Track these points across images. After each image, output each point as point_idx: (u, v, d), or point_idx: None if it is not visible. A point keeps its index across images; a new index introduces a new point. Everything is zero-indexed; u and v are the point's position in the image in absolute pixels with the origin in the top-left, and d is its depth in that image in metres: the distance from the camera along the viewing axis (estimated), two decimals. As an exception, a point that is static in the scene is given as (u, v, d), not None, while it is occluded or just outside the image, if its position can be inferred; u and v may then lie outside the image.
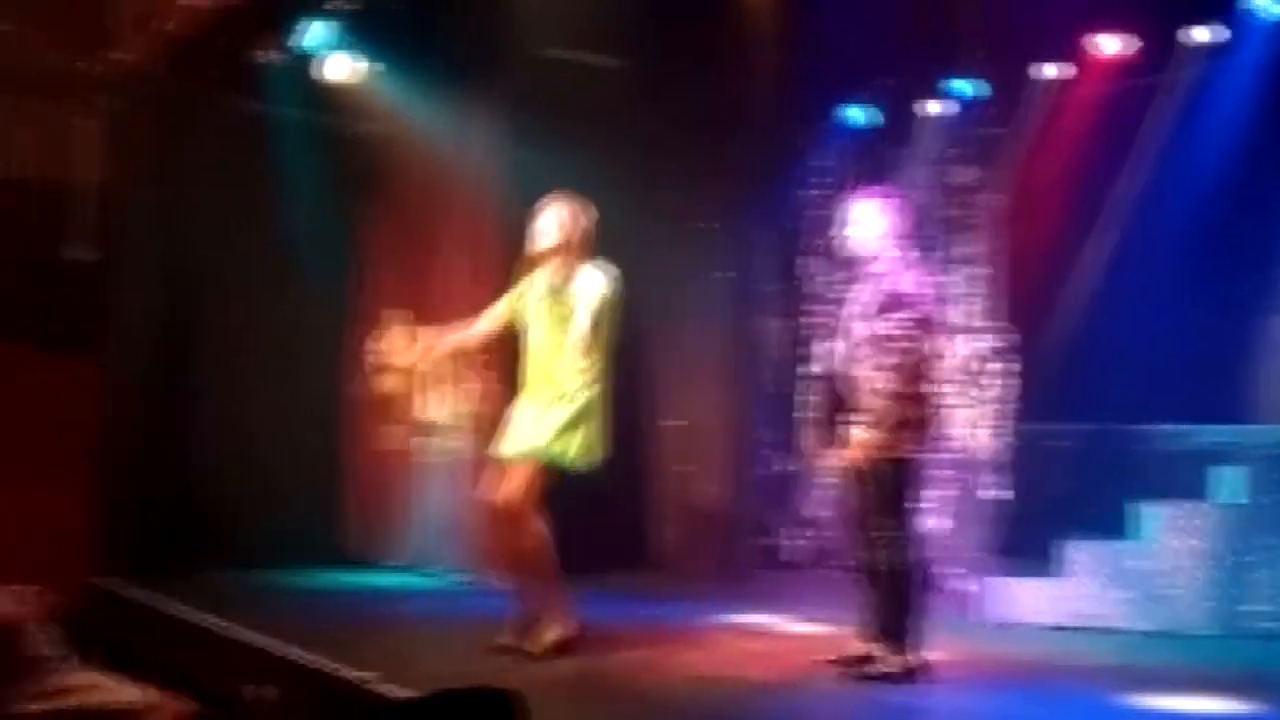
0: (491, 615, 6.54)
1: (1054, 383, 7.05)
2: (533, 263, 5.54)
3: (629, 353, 6.07)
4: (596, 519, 7.30)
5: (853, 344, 5.05)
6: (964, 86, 7.71)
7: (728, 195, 8.25)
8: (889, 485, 5.03)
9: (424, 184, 8.05)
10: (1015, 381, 7.43)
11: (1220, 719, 4.74)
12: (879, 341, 4.97)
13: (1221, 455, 6.46)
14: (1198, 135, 7.04)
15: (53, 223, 7.28)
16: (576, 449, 5.44)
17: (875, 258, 5.14)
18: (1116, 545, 6.43)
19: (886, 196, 5.36)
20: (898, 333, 4.95)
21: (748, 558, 8.16)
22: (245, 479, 7.71)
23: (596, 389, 5.44)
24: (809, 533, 8.38)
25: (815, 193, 8.73)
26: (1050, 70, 7.45)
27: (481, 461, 7.47)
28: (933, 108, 7.92)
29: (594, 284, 5.43)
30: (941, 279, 4.95)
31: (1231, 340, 6.98)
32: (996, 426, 7.43)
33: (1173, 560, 6.28)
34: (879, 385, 4.95)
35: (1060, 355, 7.29)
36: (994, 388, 7.44)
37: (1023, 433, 7.40)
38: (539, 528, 5.45)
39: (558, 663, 5.36)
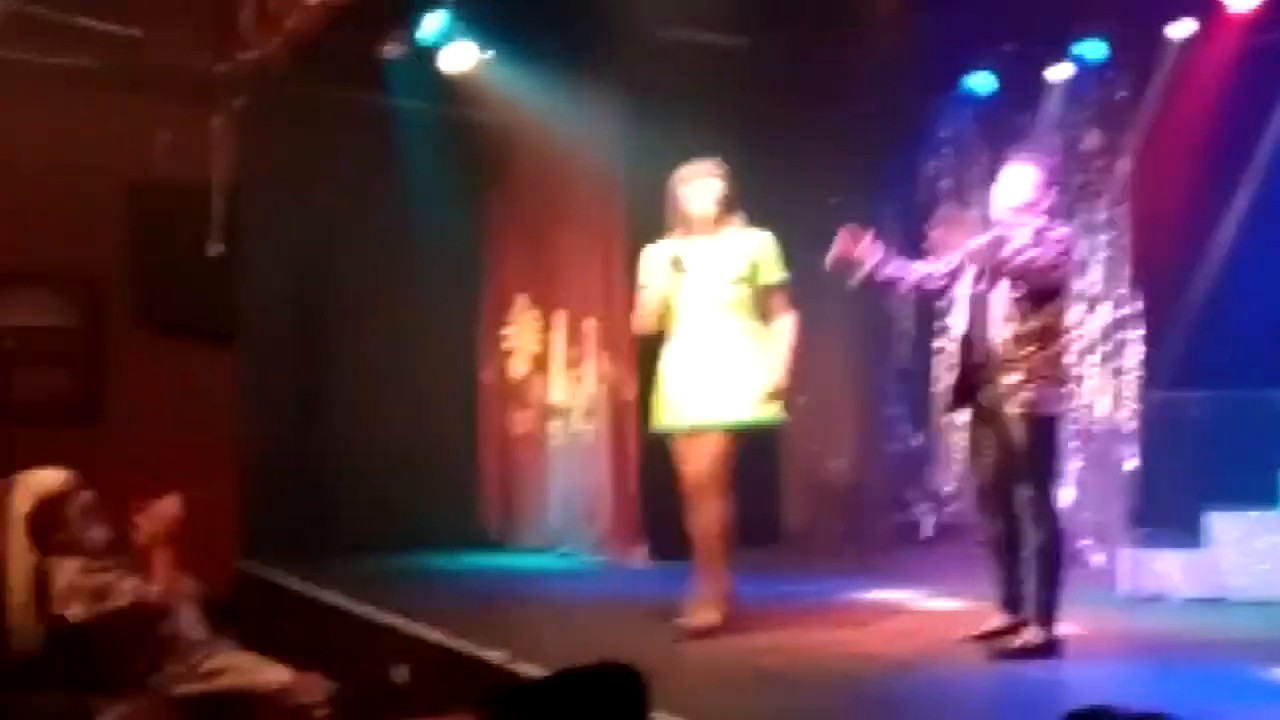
0: (626, 596, 6.62)
1: (1192, 348, 6.86)
2: (685, 229, 5.50)
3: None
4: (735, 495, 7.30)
5: (995, 308, 5.00)
6: (1090, 49, 7.53)
7: (852, 169, 8.17)
8: (1033, 452, 4.98)
9: (547, 169, 8.12)
10: (1148, 348, 7.27)
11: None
12: (1022, 305, 4.91)
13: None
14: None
15: (193, 221, 7.49)
16: (769, 408, 5.41)
17: (1018, 222, 5.08)
18: (1260, 515, 6.24)
19: (1035, 162, 5.30)
20: (1041, 296, 4.89)
21: (881, 533, 8.10)
22: (382, 464, 7.88)
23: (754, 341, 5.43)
24: (942, 507, 8.30)
25: (941, 164, 8.62)
26: (1179, 29, 7.23)
27: (613, 442, 7.58)
28: (1058, 72, 7.74)
29: (764, 243, 5.44)
30: (1081, 244, 4.91)
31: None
32: (1130, 395, 7.28)
33: (1320, 529, 6.09)
34: (1022, 350, 4.90)
35: (1198, 320, 7.08)
36: (1127, 355, 7.29)
37: (1161, 400, 7.23)
38: (729, 504, 5.41)
39: (697, 642, 5.39)
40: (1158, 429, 7.10)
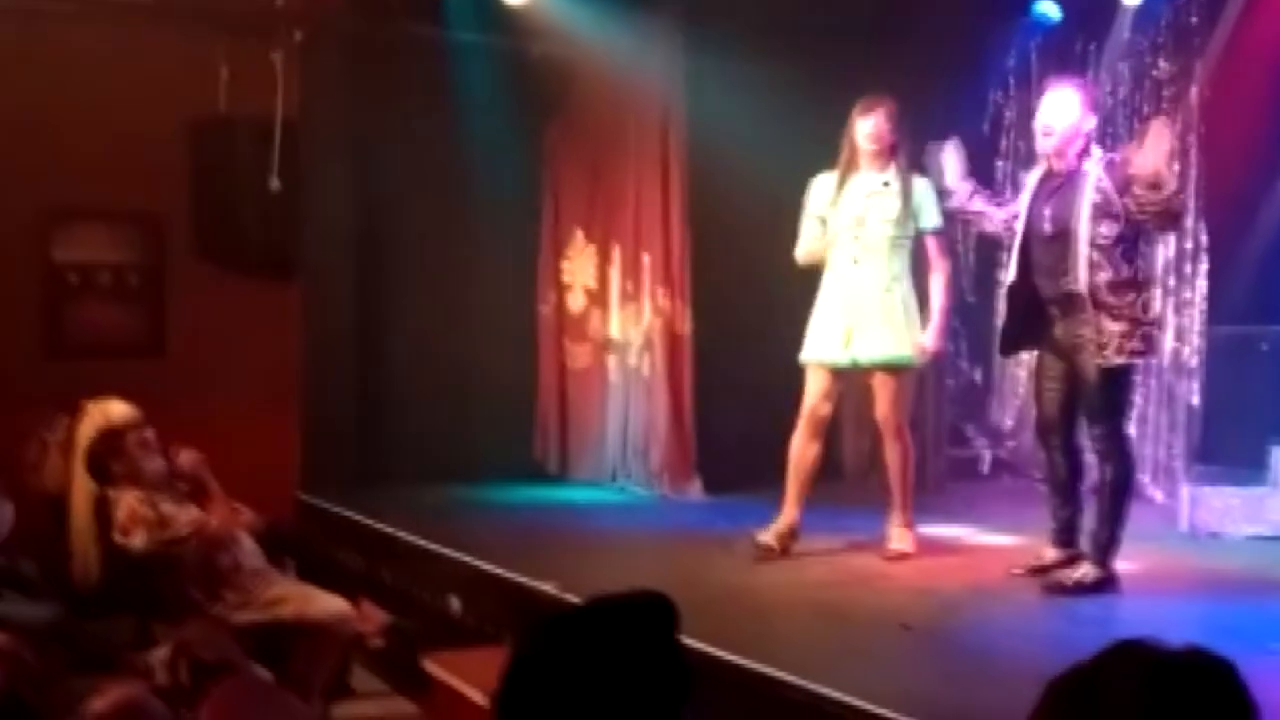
0: (680, 529, 6.65)
1: (1258, 282, 6.72)
2: (850, 164, 5.65)
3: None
4: (780, 429, 7.29)
5: (1080, 248, 4.87)
6: (1162, -28, 7.33)
7: (915, 98, 8.01)
8: (1109, 390, 4.92)
9: (606, 102, 8.05)
10: (1212, 282, 7.12)
11: None
12: (1113, 251, 4.81)
13: None
14: None
15: (253, 156, 7.53)
16: (916, 348, 5.61)
17: (1073, 155, 4.95)
18: (1328, 451, 6.13)
19: (1082, 88, 5.16)
20: (1122, 233, 4.79)
21: (939, 468, 8.04)
22: (440, 397, 7.92)
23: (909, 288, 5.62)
24: (1001, 442, 8.22)
25: (1007, 93, 8.45)
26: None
27: (669, 377, 7.57)
28: (1129, -2, 7.54)
29: (929, 189, 5.56)
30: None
31: None
32: (1195, 329, 7.15)
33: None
34: (1113, 297, 4.80)
35: (1268, 252, 6.93)
36: (1192, 289, 7.15)
37: (1225, 335, 7.09)
38: (909, 441, 5.73)
39: (753, 574, 5.42)
40: (1221, 364, 6.98)
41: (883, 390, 5.63)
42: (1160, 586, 5.20)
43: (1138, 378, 5.10)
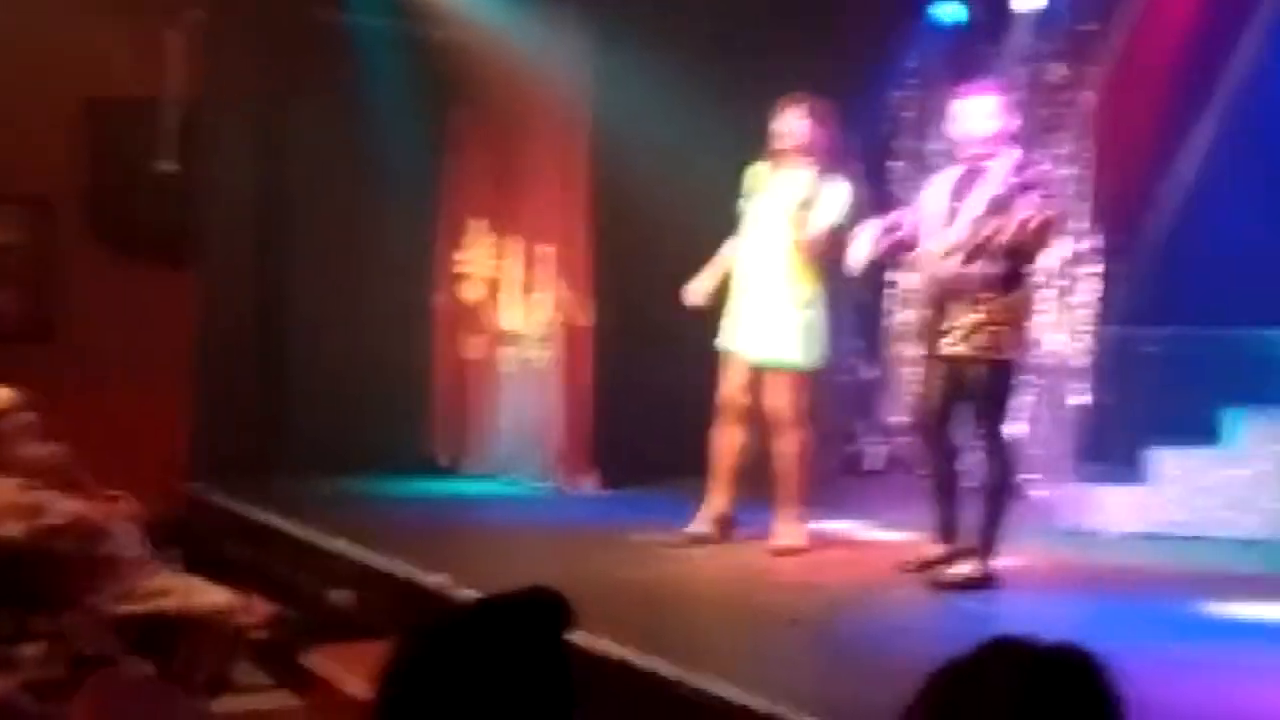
0: (573, 522, 6.65)
1: (1147, 285, 6.86)
2: (772, 159, 5.67)
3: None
4: (680, 423, 7.32)
5: (961, 243, 4.96)
6: (1058, -21, 7.46)
7: (819, 98, 8.08)
8: (992, 388, 5.00)
9: (510, 91, 8.00)
10: (1103, 284, 7.27)
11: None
12: (991, 241, 4.88)
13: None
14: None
15: (147, 138, 7.39)
16: (819, 350, 5.68)
17: (983, 154, 5.04)
18: (1206, 452, 6.29)
19: (994, 91, 5.25)
20: (1012, 231, 4.87)
21: (830, 464, 8.12)
22: (334, 387, 7.83)
23: (822, 292, 5.67)
24: (891, 439, 8.33)
25: (905, 95, 8.55)
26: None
27: (567, 369, 7.56)
28: (1026, 3, 7.66)
29: (842, 190, 5.58)
30: (1053, 176, 4.92)
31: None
32: (1084, 330, 7.29)
33: (1262, 467, 6.13)
34: (987, 292, 4.88)
35: (1154, 257, 7.09)
36: (1082, 291, 7.29)
37: (1112, 336, 7.24)
38: (806, 436, 5.71)
39: (639, 566, 5.43)
40: (1109, 365, 7.12)
41: (780, 384, 5.66)
42: (1042, 582, 5.31)
43: (1022, 376, 5.14)
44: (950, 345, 5.01)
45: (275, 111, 7.88)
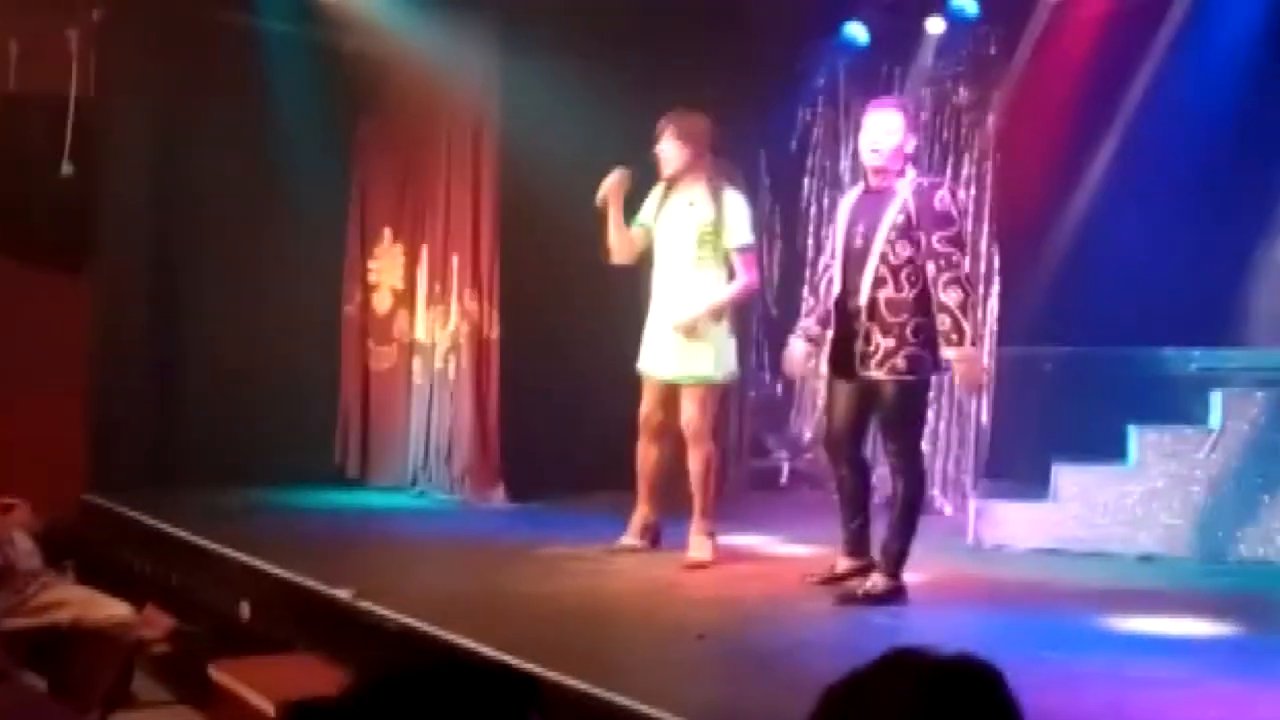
0: (480, 536, 6.60)
1: (1049, 305, 7.01)
2: (665, 181, 5.78)
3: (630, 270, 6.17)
4: (588, 436, 7.31)
5: (872, 263, 4.98)
6: (965, 4, 7.59)
7: (725, 113, 8.12)
8: (903, 407, 5.02)
9: (419, 100, 7.95)
10: (1002, 304, 7.40)
11: (1205, 643, 4.76)
12: (926, 261, 4.91)
13: (1216, 379, 6.42)
14: (1199, 54, 6.92)
15: (44, 139, 7.22)
16: (729, 365, 5.77)
17: (892, 173, 5.05)
18: (1103, 469, 6.42)
19: (905, 110, 5.25)
20: (947, 249, 4.90)
21: (739, 479, 8.17)
22: (238, 396, 7.71)
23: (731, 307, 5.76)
24: (800, 454, 8.39)
25: (815, 112, 8.64)
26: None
27: (474, 381, 7.51)
28: (931, 26, 7.79)
29: (739, 205, 5.67)
30: (962, 195, 4.98)
31: (1230, 262, 6.92)
32: (986, 349, 7.40)
33: (1158, 484, 6.27)
34: (898, 315, 4.90)
35: (1056, 277, 7.24)
36: (984, 310, 7.41)
37: (1013, 356, 7.37)
38: (713, 450, 5.81)
39: (547, 579, 5.40)
40: (1010, 384, 7.25)
41: (688, 399, 5.73)
42: (947, 596, 5.36)
43: (930, 395, 5.20)
44: (862, 367, 5.03)
45: (177, 114, 7.74)
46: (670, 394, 5.79)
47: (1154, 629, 4.90)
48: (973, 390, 4.95)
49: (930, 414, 7.24)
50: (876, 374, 4.98)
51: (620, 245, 5.87)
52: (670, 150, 5.72)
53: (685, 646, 4.60)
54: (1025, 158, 7.38)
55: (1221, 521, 6.19)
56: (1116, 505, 6.33)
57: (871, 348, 4.98)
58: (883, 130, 5.07)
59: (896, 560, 5.10)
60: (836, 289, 5.12)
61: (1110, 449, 6.51)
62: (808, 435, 8.42)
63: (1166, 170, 6.89)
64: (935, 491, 7.53)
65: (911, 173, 5.08)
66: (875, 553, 5.25)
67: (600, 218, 5.87)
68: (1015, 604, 5.25)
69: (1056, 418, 6.87)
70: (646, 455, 5.88)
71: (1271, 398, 6.20)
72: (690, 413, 5.71)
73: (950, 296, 4.87)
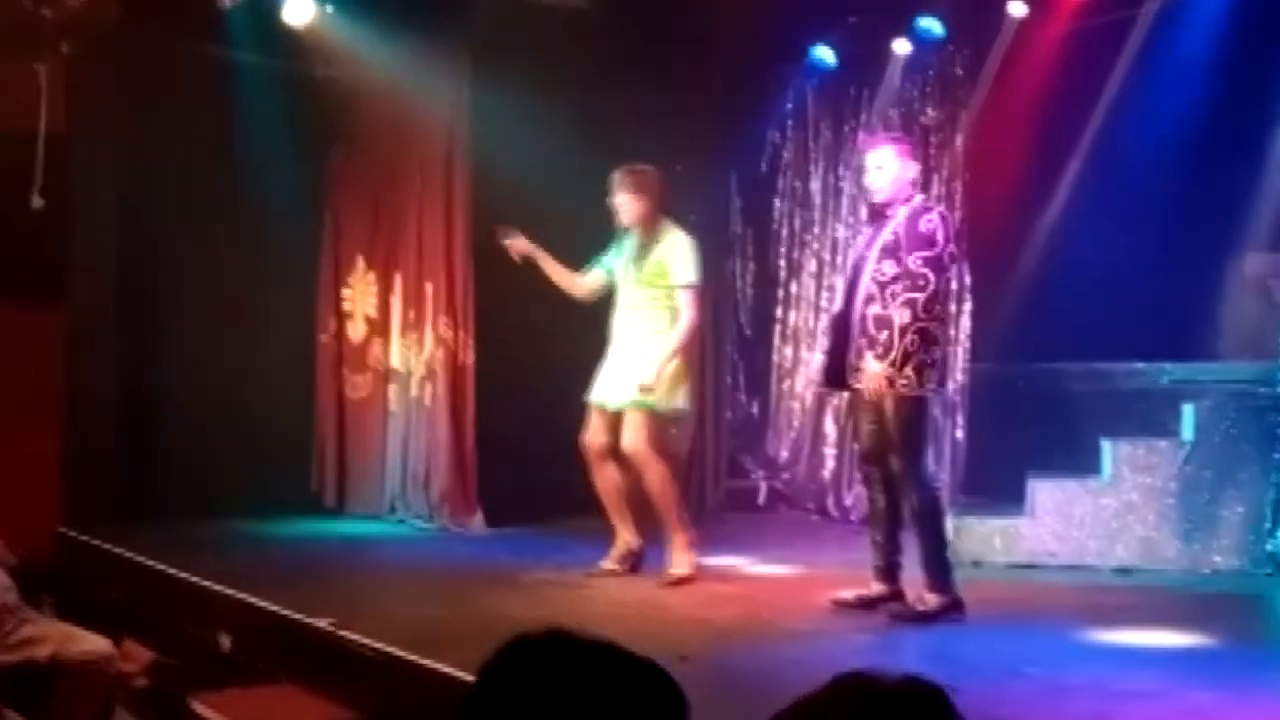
0: (460, 562, 6.59)
1: (1022, 321, 7.06)
2: (622, 228, 6.08)
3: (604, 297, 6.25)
4: (565, 461, 7.31)
5: (863, 281, 5.13)
6: (930, 25, 7.66)
7: (695, 136, 8.19)
8: (902, 420, 5.10)
9: (391, 129, 7.96)
10: (976, 322, 7.45)
11: (1184, 653, 4.80)
12: (902, 279, 5.02)
13: (1187, 393, 6.48)
14: (1164, 72, 7.00)
15: (15, 173, 7.19)
16: (679, 396, 6.00)
17: (897, 201, 5.21)
18: (1078, 483, 6.46)
19: (898, 141, 5.45)
20: (921, 270, 5.01)
21: (719, 499, 8.19)
22: (215, 427, 7.68)
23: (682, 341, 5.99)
24: (777, 474, 8.42)
25: (784, 134, 8.70)
26: (1016, 8, 7.40)
27: (450, 408, 7.52)
28: (900, 47, 7.86)
29: (684, 248, 5.98)
30: (950, 217, 5.14)
31: (1199, 276, 6.98)
32: (960, 366, 7.46)
33: (1138, 497, 6.32)
34: (903, 323, 4.99)
35: (1028, 293, 7.29)
36: (957, 327, 7.46)
37: (986, 373, 7.42)
38: (663, 468, 5.96)
39: (529, 605, 5.40)
40: (984, 400, 7.29)
41: (628, 425, 5.92)
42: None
43: (933, 410, 5.27)
44: (852, 379, 5.17)
45: (149, 146, 7.73)
46: (615, 422, 5.97)
47: (1133, 641, 4.94)
48: (878, 400, 5.09)
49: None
50: (864, 387, 5.08)
51: (569, 288, 6.26)
52: (624, 202, 6.01)
53: (668, 668, 4.61)
54: (994, 176, 7.45)
55: (1196, 532, 6.24)
56: (1092, 519, 6.38)
57: (861, 362, 5.10)
58: (874, 165, 5.32)
59: (939, 573, 5.17)
60: (838, 305, 5.27)
61: (1085, 463, 6.57)
62: (783, 455, 8.45)
63: (1135, 186, 6.97)
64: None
65: (918, 197, 5.24)
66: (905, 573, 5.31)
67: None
68: (995, 619, 5.27)
69: (1031, 433, 6.91)
70: (601, 479, 6.05)
71: (1242, 410, 6.27)
72: (630, 438, 5.89)
73: (898, 314, 5.04)
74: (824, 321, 5.73)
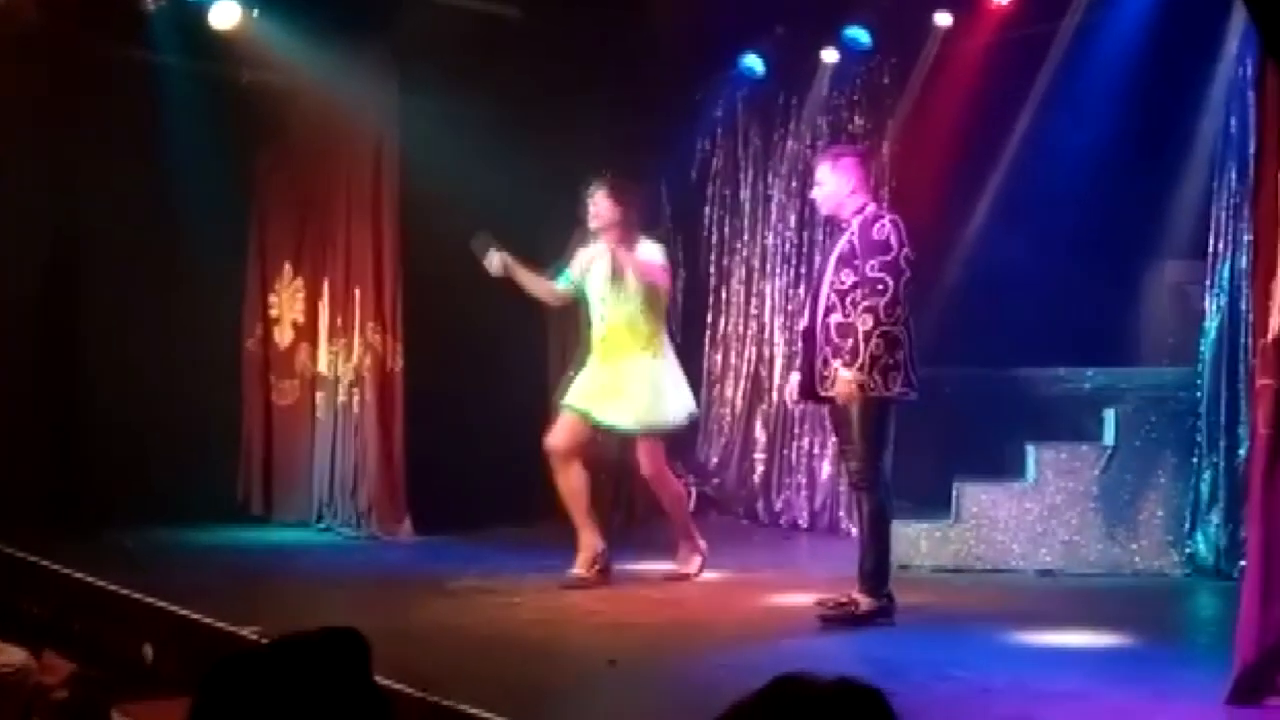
0: (388, 569, 6.55)
1: (947, 328, 7.12)
2: (594, 238, 6.03)
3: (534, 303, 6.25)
4: (493, 468, 7.30)
5: (824, 291, 5.23)
6: (858, 34, 7.73)
7: (624, 143, 8.20)
8: (858, 425, 5.16)
9: (318, 134, 7.90)
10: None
11: (1107, 654, 4.88)
12: (861, 286, 5.12)
13: (1108, 398, 6.59)
14: (1085, 83, 7.12)
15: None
16: (672, 410, 6.02)
17: (847, 213, 5.32)
18: (1008, 487, 6.55)
19: (836, 157, 5.53)
20: (879, 275, 5.10)
21: (647, 505, 8.18)
22: (139, 435, 7.58)
23: (665, 352, 6.04)
24: (709, 480, 8.43)
25: (713, 142, 8.73)
26: (942, 18, 7.49)
27: (379, 414, 7.46)
28: (828, 56, 7.93)
29: (652, 250, 5.98)
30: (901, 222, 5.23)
31: (1120, 284, 7.10)
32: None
33: (1062, 501, 6.41)
34: (866, 329, 5.06)
35: (953, 300, 7.37)
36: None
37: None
38: (679, 485, 6.26)
39: (462, 615, 5.38)
40: (910, 405, 7.32)
41: (644, 450, 6.02)
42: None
43: (888, 414, 5.30)
44: (821, 388, 5.25)
45: (71, 150, 7.61)
46: (590, 431, 5.98)
47: (1057, 642, 5.02)
48: (848, 405, 5.16)
49: (834, 436, 7.36)
50: (831, 393, 5.18)
51: (541, 295, 6.20)
52: (603, 205, 5.95)
53: (598, 673, 4.61)
54: (919, 184, 7.53)
55: (1118, 535, 6.35)
56: (1017, 522, 6.46)
57: (828, 370, 5.18)
58: (816, 183, 5.47)
59: (873, 577, 5.23)
60: (804, 320, 5.32)
61: (1010, 467, 6.65)
62: (713, 460, 8.47)
63: (1057, 194, 7.09)
64: (842, 513, 7.63)
65: (871, 208, 5.30)
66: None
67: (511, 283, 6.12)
68: (922, 623, 5.33)
69: (956, 438, 6.99)
70: (565, 482, 5.97)
71: (1162, 414, 6.38)
72: (648, 464, 6.01)
73: (861, 320, 5.12)
74: (791, 343, 5.77)
